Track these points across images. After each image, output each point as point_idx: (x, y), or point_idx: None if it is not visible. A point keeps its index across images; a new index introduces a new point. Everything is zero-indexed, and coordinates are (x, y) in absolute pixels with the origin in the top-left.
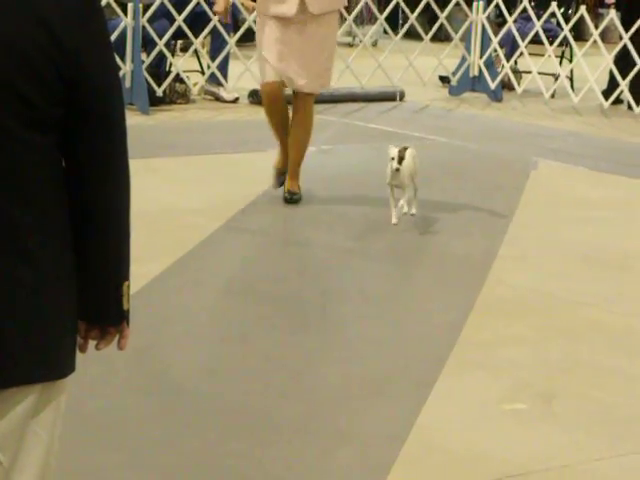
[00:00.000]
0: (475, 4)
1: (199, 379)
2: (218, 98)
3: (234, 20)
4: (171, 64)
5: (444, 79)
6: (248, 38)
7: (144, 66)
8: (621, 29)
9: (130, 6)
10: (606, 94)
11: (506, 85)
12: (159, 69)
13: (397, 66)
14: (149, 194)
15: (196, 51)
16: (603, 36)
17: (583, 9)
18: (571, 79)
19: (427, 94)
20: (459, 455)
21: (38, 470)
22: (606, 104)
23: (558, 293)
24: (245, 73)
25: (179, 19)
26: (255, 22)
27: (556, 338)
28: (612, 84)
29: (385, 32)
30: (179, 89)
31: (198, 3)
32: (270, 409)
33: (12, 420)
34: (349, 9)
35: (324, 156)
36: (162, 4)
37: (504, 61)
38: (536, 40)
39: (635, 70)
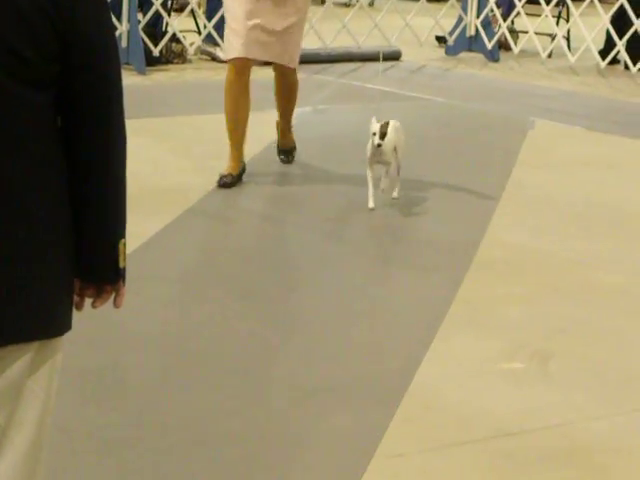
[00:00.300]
0: None
1: (199, 338)
2: (215, 58)
3: None
4: (167, 24)
5: (441, 39)
6: None
7: (140, 26)
8: None
9: None
10: (603, 54)
11: (503, 45)
12: (155, 29)
13: (394, 26)
14: (144, 154)
15: (192, 11)
16: None
17: None
18: (568, 39)
19: (424, 54)
20: (456, 413)
21: (35, 427)
22: (603, 64)
23: (555, 252)
24: None
25: None
26: None
27: (553, 298)
28: (609, 44)
29: None
30: (175, 49)
31: None
32: (264, 368)
33: (9, 378)
34: None
35: (320, 116)
36: None
37: (501, 21)
38: (533, 0)
39: (632, 30)
